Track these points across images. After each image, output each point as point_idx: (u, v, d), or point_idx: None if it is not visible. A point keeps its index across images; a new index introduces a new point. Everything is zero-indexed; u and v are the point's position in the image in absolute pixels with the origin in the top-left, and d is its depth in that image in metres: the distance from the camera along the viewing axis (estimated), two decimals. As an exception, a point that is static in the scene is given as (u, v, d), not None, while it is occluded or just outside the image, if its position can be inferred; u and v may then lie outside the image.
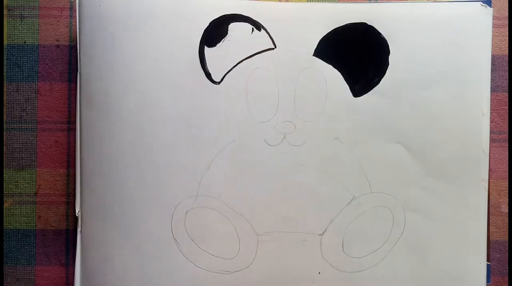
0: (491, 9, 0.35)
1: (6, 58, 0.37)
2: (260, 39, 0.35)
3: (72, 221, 0.37)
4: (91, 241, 0.35)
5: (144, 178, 0.35)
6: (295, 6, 0.35)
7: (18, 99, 0.37)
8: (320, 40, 0.35)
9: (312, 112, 0.35)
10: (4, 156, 0.37)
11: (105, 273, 0.35)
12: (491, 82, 0.36)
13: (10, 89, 0.37)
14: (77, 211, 0.35)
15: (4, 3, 0.37)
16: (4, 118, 0.37)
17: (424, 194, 0.35)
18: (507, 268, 0.37)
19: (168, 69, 0.35)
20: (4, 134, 0.37)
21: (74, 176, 0.36)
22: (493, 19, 0.36)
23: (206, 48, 0.35)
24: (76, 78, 0.35)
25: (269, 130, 0.35)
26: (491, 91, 0.36)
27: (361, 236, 0.35)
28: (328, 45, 0.35)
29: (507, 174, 0.37)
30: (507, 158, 0.37)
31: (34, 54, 0.37)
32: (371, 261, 0.35)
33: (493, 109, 0.37)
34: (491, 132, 0.37)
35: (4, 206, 0.37)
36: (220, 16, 0.35)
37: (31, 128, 0.37)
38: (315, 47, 0.35)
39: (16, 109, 0.37)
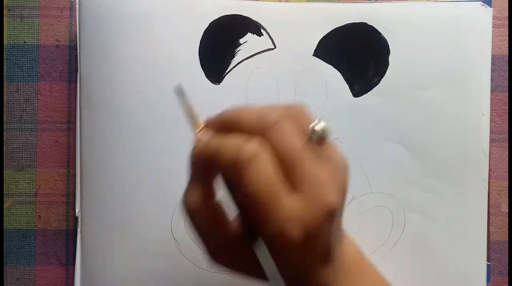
0: (491, 9, 0.35)
1: (6, 58, 0.37)
2: (260, 39, 0.35)
3: (72, 221, 0.37)
4: (91, 241, 0.35)
5: (144, 178, 0.35)
6: (295, 6, 0.35)
7: (18, 99, 0.37)
8: (320, 40, 0.35)
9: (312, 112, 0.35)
10: (4, 156, 0.37)
11: (105, 273, 0.35)
12: (491, 82, 0.36)
13: (10, 89, 0.37)
14: (77, 211, 0.35)
15: (4, 3, 0.37)
16: (4, 118, 0.37)
17: (424, 194, 0.35)
18: (507, 268, 0.37)
19: (168, 69, 0.35)
20: (4, 134, 0.37)
21: (74, 176, 0.36)
22: (493, 19, 0.36)
23: (206, 48, 0.35)
24: (76, 78, 0.35)
25: (269, 130, 0.35)
26: (491, 91, 0.36)
27: (361, 236, 0.35)
28: (328, 45, 0.35)
29: (507, 174, 0.37)
30: (507, 158, 0.37)
31: (34, 54, 0.37)
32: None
33: (493, 109, 0.37)
34: (491, 132, 0.37)
35: (4, 206, 0.37)
36: (220, 17, 0.35)
37: (31, 128, 0.37)
38: (315, 47, 0.35)
39: (16, 109, 0.37)
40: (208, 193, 0.24)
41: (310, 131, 0.23)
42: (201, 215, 0.24)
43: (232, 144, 0.22)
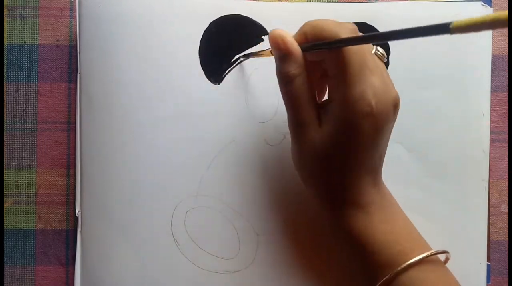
0: (491, 9, 0.35)
1: (6, 58, 0.37)
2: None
3: (72, 221, 0.37)
4: (91, 241, 0.35)
5: (144, 178, 0.35)
6: (295, 6, 0.35)
7: (18, 99, 0.37)
8: (320, 40, 0.35)
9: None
10: (4, 156, 0.37)
11: (105, 273, 0.35)
12: (491, 82, 0.36)
13: (10, 89, 0.37)
14: (77, 211, 0.35)
15: (4, 3, 0.37)
16: (4, 118, 0.37)
17: (424, 194, 0.35)
18: (507, 268, 0.37)
19: (168, 69, 0.35)
20: (4, 134, 0.37)
21: (74, 176, 0.36)
22: (493, 19, 0.36)
23: (206, 48, 0.35)
24: (76, 78, 0.35)
25: (269, 130, 0.35)
26: (491, 91, 0.36)
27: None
28: (328, 45, 0.35)
29: (507, 174, 0.37)
30: (507, 158, 0.37)
31: (34, 54, 0.37)
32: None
33: (493, 109, 0.37)
34: (491, 132, 0.37)
35: (4, 206, 0.37)
36: (220, 17, 0.35)
37: (31, 128, 0.37)
38: (315, 47, 0.35)
39: (16, 109, 0.37)
40: (304, 65, 0.28)
41: (375, 47, 0.28)
42: (298, 80, 0.28)
43: (334, 22, 0.28)
